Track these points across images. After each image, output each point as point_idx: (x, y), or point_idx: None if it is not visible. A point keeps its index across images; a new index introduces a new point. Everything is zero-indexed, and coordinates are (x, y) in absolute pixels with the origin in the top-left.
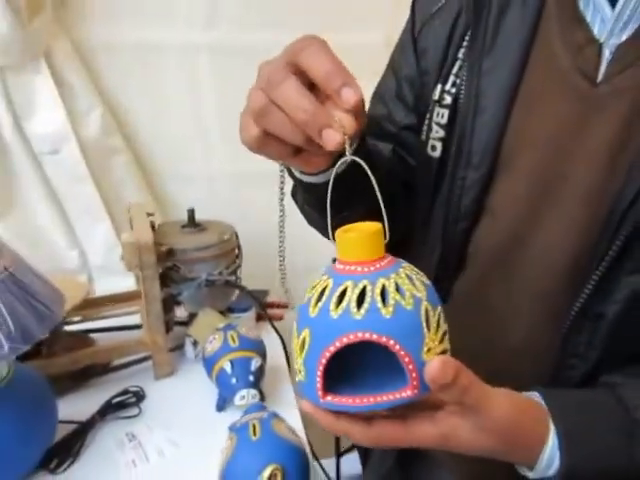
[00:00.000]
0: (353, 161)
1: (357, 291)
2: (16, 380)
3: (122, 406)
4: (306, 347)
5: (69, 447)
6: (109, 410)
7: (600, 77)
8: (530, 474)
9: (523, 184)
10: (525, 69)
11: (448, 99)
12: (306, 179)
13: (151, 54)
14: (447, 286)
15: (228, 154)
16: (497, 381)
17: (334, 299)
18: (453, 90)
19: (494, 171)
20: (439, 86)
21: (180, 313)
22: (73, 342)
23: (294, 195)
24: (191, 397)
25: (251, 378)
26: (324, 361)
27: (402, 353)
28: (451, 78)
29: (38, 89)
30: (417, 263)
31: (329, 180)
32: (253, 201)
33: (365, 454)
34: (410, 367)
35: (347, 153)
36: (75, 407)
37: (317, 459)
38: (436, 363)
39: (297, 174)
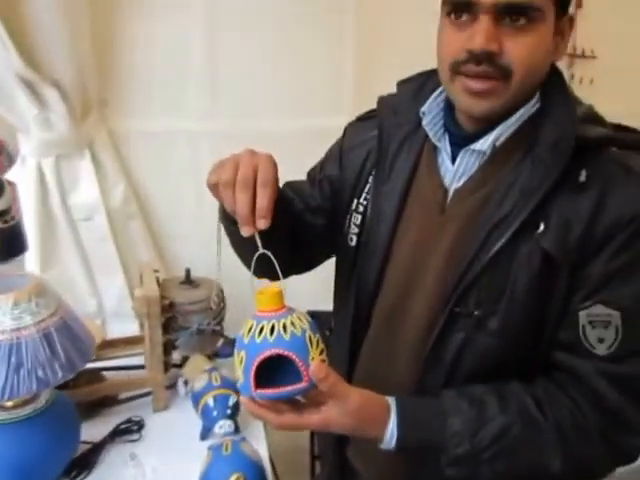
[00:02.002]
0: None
1: (269, 326)
2: (55, 404)
3: (127, 432)
4: (243, 361)
5: (85, 462)
6: (116, 434)
7: (446, 207)
8: (381, 445)
9: (400, 271)
10: (408, 195)
11: (361, 208)
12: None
13: (162, 140)
14: (359, 338)
15: None
16: None
17: (257, 331)
18: (365, 202)
19: (386, 260)
20: (355, 200)
21: (175, 356)
22: (90, 377)
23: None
24: (181, 428)
25: (229, 411)
26: (254, 367)
27: (297, 360)
28: (363, 194)
29: (81, 171)
30: (341, 318)
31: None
32: (237, 261)
33: None
34: (302, 369)
35: (260, 248)
36: (90, 430)
37: None
38: (316, 364)
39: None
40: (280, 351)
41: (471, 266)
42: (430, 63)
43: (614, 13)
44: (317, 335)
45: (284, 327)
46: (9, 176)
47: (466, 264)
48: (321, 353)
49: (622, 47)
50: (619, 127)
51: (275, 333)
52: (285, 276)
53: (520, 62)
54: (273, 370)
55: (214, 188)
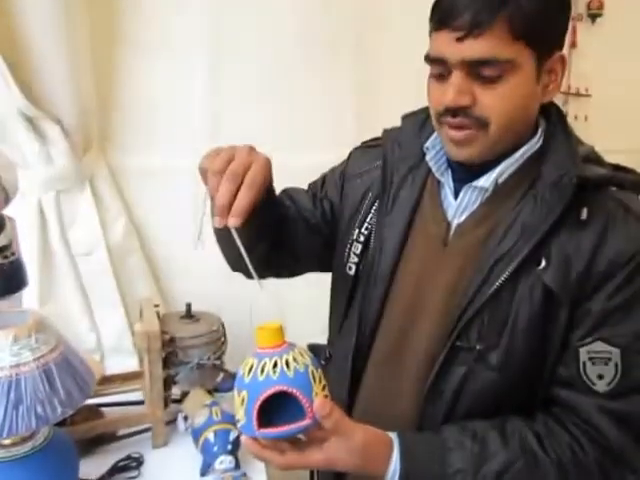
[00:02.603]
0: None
1: (272, 363)
2: (54, 441)
3: (126, 469)
4: (245, 401)
5: None
6: (115, 472)
7: (448, 241)
8: None
9: (403, 302)
10: (410, 227)
11: (362, 238)
12: None
13: (163, 175)
14: (360, 370)
15: (221, 257)
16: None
17: (259, 369)
18: (366, 232)
19: (389, 291)
20: (357, 229)
21: (175, 391)
22: (88, 414)
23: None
24: (180, 464)
25: (229, 447)
26: (257, 406)
27: (301, 397)
28: (365, 224)
29: (81, 205)
30: (340, 350)
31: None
32: (237, 295)
33: None
34: (306, 405)
35: (237, 241)
36: (88, 468)
37: None
38: (319, 401)
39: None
40: (284, 388)
41: (473, 300)
42: (424, 96)
43: (607, 53)
44: (319, 370)
45: (287, 363)
46: (8, 211)
47: (468, 298)
48: (324, 389)
49: (616, 86)
50: (617, 167)
51: (278, 369)
52: (263, 277)
53: (495, 112)
54: (274, 407)
55: (203, 173)
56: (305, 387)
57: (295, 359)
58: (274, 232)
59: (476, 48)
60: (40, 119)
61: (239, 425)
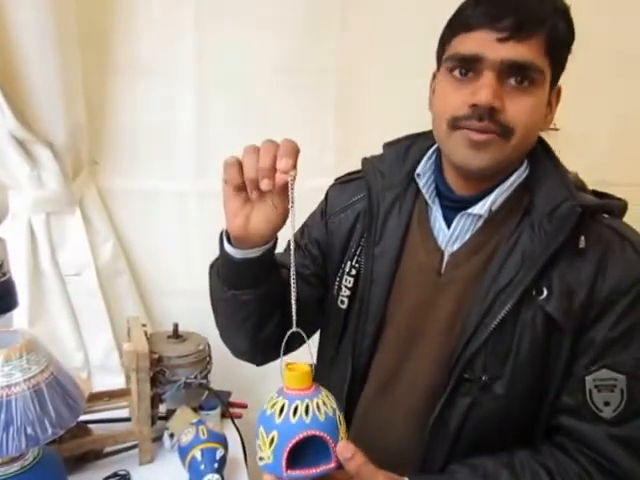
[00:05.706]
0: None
1: (304, 406)
2: (43, 460)
3: None
4: (275, 441)
5: None
6: None
7: (442, 271)
8: None
9: (398, 333)
10: (401, 257)
11: (353, 271)
12: (242, 255)
13: (151, 198)
14: (354, 401)
15: (206, 277)
16: (384, 467)
17: (291, 412)
18: (357, 265)
19: (382, 322)
20: (349, 262)
21: (161, 409)
22: (76, 431)
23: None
24: None
25: (216, 465)
26: (288, 449)
27: (330, 441)
28: (356, 257)
29: (71, 227)
30: (333, 382)
31: (258, 256)
32: None
33: None
34: (334, 449)
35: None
36: None
37: None
38: (343, 443)
39: (231, 252)
40: (316, 432)
41: (477, 332)
42: (405, 127)
43: (574, 88)
44: (342, 413)
45: (317, 407)
46: None
47: (471, 330)
48: (345, 432)
49: (583, 120)
50: (597, 193)
51: (310, 414)
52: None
53: (520, 122)
54: (296, 447)
55: (229, 164)
56: (333, 431)
57: (325, 403)
58: (284, 303)
59: (518, 51)
60: (31, 142)
61: (263, 463)
